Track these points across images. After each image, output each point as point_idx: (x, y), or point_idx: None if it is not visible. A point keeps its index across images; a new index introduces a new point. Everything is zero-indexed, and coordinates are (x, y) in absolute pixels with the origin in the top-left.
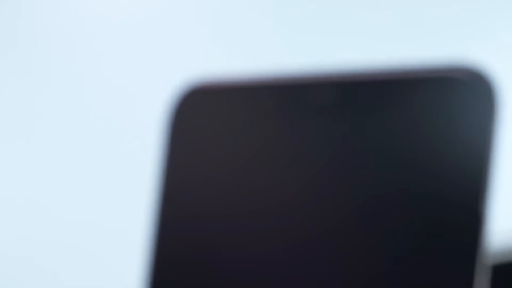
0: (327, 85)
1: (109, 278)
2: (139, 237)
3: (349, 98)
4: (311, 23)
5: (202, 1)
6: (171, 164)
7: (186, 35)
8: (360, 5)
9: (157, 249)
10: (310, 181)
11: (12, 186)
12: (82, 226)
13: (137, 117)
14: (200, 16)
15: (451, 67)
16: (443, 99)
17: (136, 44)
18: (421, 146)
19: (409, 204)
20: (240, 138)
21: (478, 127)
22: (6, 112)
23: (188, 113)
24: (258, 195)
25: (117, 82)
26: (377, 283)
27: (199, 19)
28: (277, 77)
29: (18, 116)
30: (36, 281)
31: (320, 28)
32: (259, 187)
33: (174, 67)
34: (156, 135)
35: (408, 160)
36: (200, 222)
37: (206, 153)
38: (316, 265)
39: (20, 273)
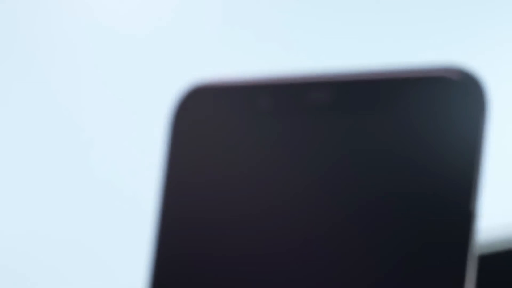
0: (324, 84)
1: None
2: (139, 243)
3: (345, 97)
4: (313, 26)
5: (208, 8)
6: (172, 163)
7: (192, 44)
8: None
9: (158, 250)
10: (310, 181)
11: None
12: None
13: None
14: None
15: (441, 67)
16: (435, 99)
17: (140, 52)
18: (415, 144)
19: (403, 202)
20: (241, 137)
21: (469, 126)
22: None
23: (188, 112)
24: (258, 194)
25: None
26: (375, 280)
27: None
28: (277, 77)
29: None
30: None
31: (323, 32)
32: (259, 186)
33: (178, 76)
34: (155, 143)
35: (403, 159)
36: (201, 222)
37: (207, 151)
38: (317, 266)
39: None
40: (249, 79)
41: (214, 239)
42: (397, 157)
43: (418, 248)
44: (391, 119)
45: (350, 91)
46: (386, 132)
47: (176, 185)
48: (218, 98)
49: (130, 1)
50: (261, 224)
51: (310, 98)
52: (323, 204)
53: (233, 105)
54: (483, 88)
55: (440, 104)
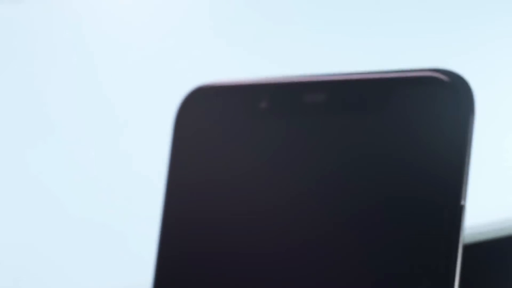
0: (319, 85)
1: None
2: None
3: (340, 98)
4: (314, 35)
5: (216, 13)
6: (174, 163)
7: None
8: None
9: (160, 249)
10: (307, 179)
11: None
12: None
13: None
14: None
15: (430, 69)
16: (427, 98)
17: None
18: (408, 142)
19: (398, 198)
20: (240, 136)
21: (459, 124)
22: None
23: (190, 112)
24: (256, 192)
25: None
26: (372, 272)
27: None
28: (275, 79)
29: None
30: None
31: (327, 40)
32: (257, 184)
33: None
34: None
35: (397, 157)
36: (200, 221)
37: (207, 150)
38: (315, 264)
39: None
40: (249, 81)
41: (216, 238)
42: (391, 155)
43: (415, 243)
44: (385, 117)
45: (345, 91)
46: (381, 130)
47: (178, 184)
48: (219, 99)
49: (131, 8)
50: (258, 222)
51: (306, 98)
52: (319, 203)
53: (233, 105)
54: (471, 88)
55: (431, 103)
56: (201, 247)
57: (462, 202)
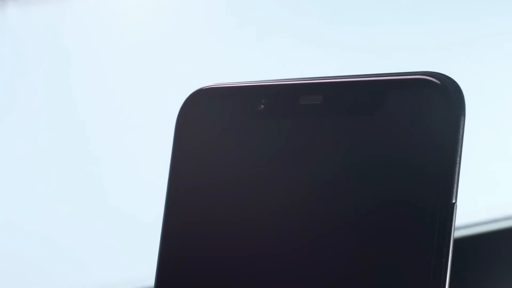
0: (317, 87)
1: None
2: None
3: (335, 99)
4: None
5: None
6: (175, 163)
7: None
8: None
9: (161, 250)
10: (305, 179)
11: None
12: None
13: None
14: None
15: (423, 72)
16: (421, 99)
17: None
18: (404, 143)
19: (391, 198)
20: (239, 137)
21: (449, 126)
22: None
23: (191, 114)
24: (255, 194)
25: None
26: (366, 272)
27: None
28: (273, 81)
29: None
30: None
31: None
32: (256, 186)
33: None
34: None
35: (391, 156)
36: (202, 222)
37: (207, 150)
38: (314, 265)
39: None
40: (248, 83)
41: (217, 239)
42: (385, 155)
43: (409, 239)
44: (379, 119)
45: (341, 93)
46: (375, 131)
47: (180, 184)
48: (219, 101)
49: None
50: (258, 222)
51: (303, 100)
52: (316, 203)
53: (233, 107)
54: (461, 90)
55: (423, 105)
56: (203, 248)
57: (453, 201)
